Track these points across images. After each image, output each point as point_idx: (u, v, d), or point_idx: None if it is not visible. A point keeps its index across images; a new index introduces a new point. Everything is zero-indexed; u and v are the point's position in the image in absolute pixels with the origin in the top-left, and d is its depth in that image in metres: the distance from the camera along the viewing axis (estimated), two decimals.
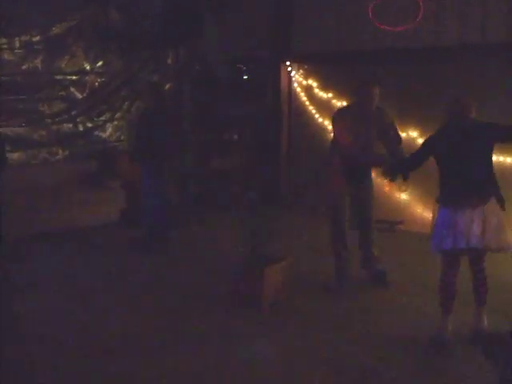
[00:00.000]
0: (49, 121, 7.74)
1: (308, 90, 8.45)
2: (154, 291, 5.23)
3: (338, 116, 5.29)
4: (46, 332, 4.31)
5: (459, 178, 4.07)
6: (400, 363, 3.87)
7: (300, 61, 8.51)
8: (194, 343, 4.14)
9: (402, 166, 4.64)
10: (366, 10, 7.58)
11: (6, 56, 7.30)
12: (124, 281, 5.51)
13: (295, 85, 8.57)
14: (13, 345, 4.05)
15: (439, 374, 3.74)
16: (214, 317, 4.64)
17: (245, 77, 9.17)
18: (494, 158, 6.68)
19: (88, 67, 8.07)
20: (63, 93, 7.85)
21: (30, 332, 4.31)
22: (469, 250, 4.05)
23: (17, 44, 7.39)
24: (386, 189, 7.51)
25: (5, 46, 7.27)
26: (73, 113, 7.96)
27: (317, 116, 8.35)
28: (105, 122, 8.31)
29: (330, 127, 8.21)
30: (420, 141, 7.29)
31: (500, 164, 6.73)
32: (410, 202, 7.50)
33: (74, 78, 7.94)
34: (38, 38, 7.50)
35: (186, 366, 3.80)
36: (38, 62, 7.55)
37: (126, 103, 8.50)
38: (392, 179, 4.72)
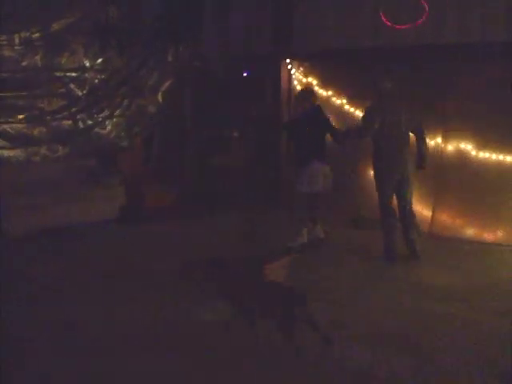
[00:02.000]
0: (48, 117, 7.73)
1: None
2: (155, 289, 5.23)
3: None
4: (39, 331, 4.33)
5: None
6: (397, 361, 3.88)
7: (300, 58, 8.50)
8: (192, 338, 4.15)
9: None
10: (366, 8, 7.58)
11: (6, 52, 7.28)
12: (124, 279, 5.52)
13: (295, 82, 8.56)
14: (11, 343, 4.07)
15: (435, 373, 3.75)
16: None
17: (245, 74, 9.16)
18: (494, 156, 6.78)
19: (88, 64, 8.05)
20: (63, 89, 7.83)
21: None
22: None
23: (16, 40, 7.37)
24: None
25: (4, 43, 7.25)
26: (72, 110, 7.95)
27: None
28: (104, 118, 8.29)
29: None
30: None
31: (499, 163, 6.74)
32: None
33: (73, 74, 7.92)
34: (37, 35, 7.48)
35: (181, 364, 3.81)
36: (37, 59, 7.53)
37: (126, 100, 8.48)
38: None
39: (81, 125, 8.07)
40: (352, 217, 7.59)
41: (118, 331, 4.31)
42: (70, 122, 7.95)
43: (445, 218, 7.10)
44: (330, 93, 8.15)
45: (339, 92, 8.06)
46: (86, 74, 8.06)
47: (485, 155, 6.82)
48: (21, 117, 7.47)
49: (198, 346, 4.06)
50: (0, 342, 4.06)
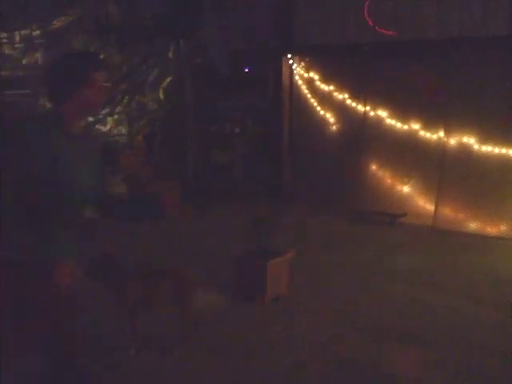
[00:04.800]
0: None
1: (309, 82, 8.41)
2: None
3: None
4: None
5: None
6: (396, 355, 3.87)
7: (301, 53, 8.47)
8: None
9: None
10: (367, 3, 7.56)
11: (7, 50, 7.29)
12: None
13: (296, 77, 8.53)
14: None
15: (435, 367, 3.73)
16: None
17: (246, 69, 9.14)
18: (496, 150, 6.74)
19: None
20: None
21: None
22: None
23: (17, 38, 7.37)
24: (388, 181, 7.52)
25: (5, 41, 7.26)
26: None
27: (318, 108, 8.32)
28: (105, 115, 8.29)
29: (331, 119, 8.22)
30: (422, 133, 7.29)
31: (502, 156, 6.71)
32: (412, 195, 7.46)
33: None
34: (38, 33, 7.49)
35: (183, 357, 3.81)
36: (38, 57, 7.54)
37: (127, 97, 8.48)
38: None
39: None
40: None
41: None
42: None
43: (448, 211, 7.08)
44: (331, 87, 8.12)
45: (340, 87, 8.04)
46: None
47: (487, 149, 6.79)
48: (21, 115, 7.48)
49: None
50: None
